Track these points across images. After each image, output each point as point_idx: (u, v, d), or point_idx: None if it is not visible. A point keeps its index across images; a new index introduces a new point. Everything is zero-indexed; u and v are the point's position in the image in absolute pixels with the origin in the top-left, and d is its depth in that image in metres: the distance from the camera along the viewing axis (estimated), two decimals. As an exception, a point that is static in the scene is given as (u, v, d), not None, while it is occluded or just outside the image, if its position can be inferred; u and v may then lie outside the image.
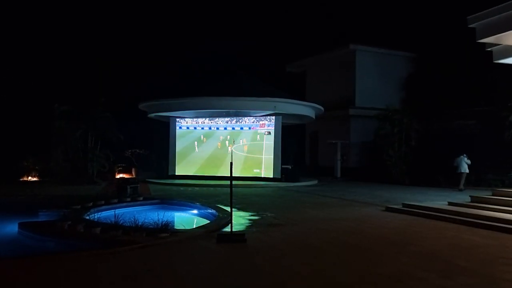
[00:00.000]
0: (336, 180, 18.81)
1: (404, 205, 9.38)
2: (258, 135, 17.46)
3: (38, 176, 16.71)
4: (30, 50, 21.99)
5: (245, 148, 17.57)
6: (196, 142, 18.38)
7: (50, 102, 17.24)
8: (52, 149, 16.59)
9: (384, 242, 6.21)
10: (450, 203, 8.94)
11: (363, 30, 24.24)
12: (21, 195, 11.61)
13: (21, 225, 6.77)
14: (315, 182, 17.33)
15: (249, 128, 17.73)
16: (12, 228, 6.91)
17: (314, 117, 19.09)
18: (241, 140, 17.70)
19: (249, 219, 8.11)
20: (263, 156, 17.18)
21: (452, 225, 7.54)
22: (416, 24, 21.83)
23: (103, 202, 9.30)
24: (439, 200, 10.28)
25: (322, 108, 18.79)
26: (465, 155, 13.68)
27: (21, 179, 16.35)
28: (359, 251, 5.66)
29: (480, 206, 8.25)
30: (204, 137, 18.33)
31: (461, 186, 13.50)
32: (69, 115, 16.83)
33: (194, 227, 7.26)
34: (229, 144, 17.68)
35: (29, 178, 16.64)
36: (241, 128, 17.86)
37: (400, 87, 21.32)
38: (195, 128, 18.58)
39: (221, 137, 18.02)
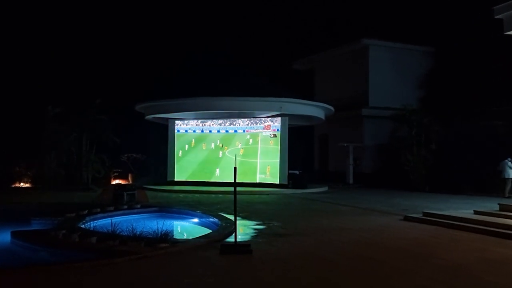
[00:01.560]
0: (348, 187, 18.73)
1: (425, 214, 9.27)
2: (263, 138, 17.41)
3: (30, 183, 16.86)
4: (21, 49, 22.18)
5: (241, 152, 17.49)
6: (196, 146, 18.39)
7: (43, 104, 17.38)
8: (45, 154, 16.76)
9: (402, 254, 6.13)
10: (476, 212, 8.81)
11: (377, 23, 24.17)
12: (13, 202, 11.79)
13: (14, 234, 6.89)
14: (325, 188, 17.27)
15: (253, 131, 17.69)
16: (4, 237, 7.03)
17: (323, 118, 19.02)
18: (238, 143, 17.65)
19: (254, 229, 8.09)
20: (269, 161, 17.12)
21: (478, 236, 7.43)
22: (434, 15, 21.71)
23: (98, 210, 9.42)
24: (463, 208, 10.16)
25: (333, 109, 18.72)
26: (509, 158, 13.49)
27: (12, 186, 16.48)
28: (374, 265, 5.58)
29: (509, 215, 8.11)
30: (205, 140, 18.32)
31: (507, 194, 13.30)
32: (63, 117, 16.95)
33: (196, 237, 7.28)
34: (227, 147, 17.66)
35: (21, 184, 16.78)
36: (244, 131, 17.84)
37: (418, 85, 21.18)
38: (195, 131, 18.60)
39: (221, 141, 17.99)
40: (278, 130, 17.10)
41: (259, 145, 17.46)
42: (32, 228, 7.81)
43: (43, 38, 22.97)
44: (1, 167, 16.68)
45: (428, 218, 8.95)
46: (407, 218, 9.21)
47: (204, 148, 18.31)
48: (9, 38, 21.98)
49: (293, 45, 27.35)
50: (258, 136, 17.54)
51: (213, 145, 18.16)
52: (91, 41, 24.37)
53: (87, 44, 24.15)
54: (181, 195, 15.16)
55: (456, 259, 5.80)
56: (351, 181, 19.40)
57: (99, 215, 8.97)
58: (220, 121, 18.20)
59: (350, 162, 19.58)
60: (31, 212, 9.10)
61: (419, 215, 9.26)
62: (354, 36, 21.78)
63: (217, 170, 17.71)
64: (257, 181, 16.94)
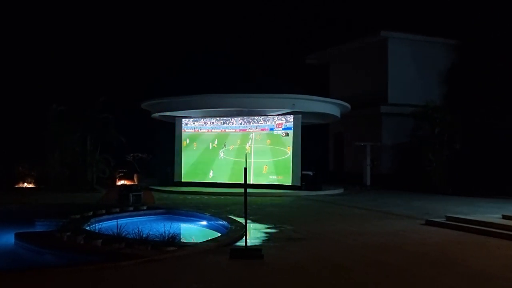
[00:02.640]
0: (365, 189, 18.59)
1: (448, 218, 9.15)
2: (275, 137, 17.39)
3: (34, 183, 17.18)
4: (24, 47, 22.56)
5: (248, 149, 17.48)
6: (204, 145, 18.48)
7: (46, 102, 17.66)
8: (49, 154, 17.03)
9: (424, 261, 6.07)
10: (504, 217, 8.65)
11: (396, 14, 23.89)
12: (16, 203, 12.06)
13: (18, 236, 7.05)
14: (340, 190, 17.19)
15: (264, 129, 17.68)
16: (8, 238, 7.21)
17: (339, 115, 18.91)
18: (248, 143, 17.68)
19: (265, 232, 8.10)
20: (280, 161, 17.09)
21: (507, 242, 7.31)
22: (458, 5, 21.34)
23: (104, 211, 9.57)
24: (490, 212, 9.99)
25: (349, 106, 18.59)
26: None
27: (16, 186, 16.81)
28: (394, 272, 5.53)
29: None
30: (214, 139, 18.39)
31: None
32: (67, 116, 17.20)
33: (204, 240, 7.34)
34: (236, 147, 17.69)
35: (25, 184, 17.11)
36: (257, 129, 17.84)
37: (441, 80, 20.87)
38: (203, 129, 18.69)
39: (230, 140, 18.03)
40: (290, 128, 17.06)
41: (270, 145, 17.44)
42: (36, 230, 7.98)
43: (46, 36, 23.33)
44: (4, 167, 17.02)
45: (452, 222, 8.83)
46: (428, 222, 9.11)
47: (212, 148, 18.37)
48: (12, 35, 22.39)
49: (307, 38, 27.23)
50: (270, 135, 17.53)
51: (222, 145, 18.19)
52: (96, 38, 24.68)
53: (91, 41, 24.47)
54: (189, 196, 15.26)
55: (481, 267, 5.71)
56: (368, 182, 19.27)
57: (104, 217, 9.12)
58: (230, 119, 18.23)
59: (367, 163, 19.43)
60: (35, 213, 9.29)
61: (442, 219, 9.15)
62: (372, 28, 21.60)
63: (226, 170, 17.73)
64: (269, 183, 16.94)
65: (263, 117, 17.77)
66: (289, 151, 16.94)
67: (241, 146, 17.81)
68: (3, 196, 13.73)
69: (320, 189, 16.56)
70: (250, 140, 17.81)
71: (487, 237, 7.68)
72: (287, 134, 17.15)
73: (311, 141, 20.18)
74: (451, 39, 21.12)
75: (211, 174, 18.06)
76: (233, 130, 18.22)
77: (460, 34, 20.89)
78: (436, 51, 21.12)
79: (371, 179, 19.30)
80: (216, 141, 18.37)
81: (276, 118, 17.56)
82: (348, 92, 21.57)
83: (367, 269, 5.64)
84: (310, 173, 17.09)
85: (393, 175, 19.23)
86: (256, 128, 17.87)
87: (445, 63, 20.87)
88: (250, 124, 17.97)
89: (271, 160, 17.28)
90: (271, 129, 17.56)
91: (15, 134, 17.73)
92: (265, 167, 17.14)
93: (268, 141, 17.54)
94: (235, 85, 17.40)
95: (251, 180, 16.44)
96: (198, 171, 18.36)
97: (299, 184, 16.57)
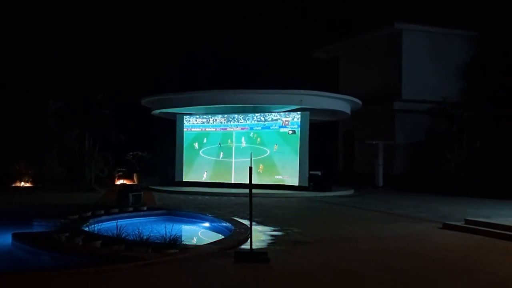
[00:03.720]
0: (377, 190, 18.51)
1: (467, 221, 8.99)
2: (281, 135, 17.30)
3: (31, 182, 17.31)
4: (20, 41, 22.61)
5: (264, 146, 17.41)
6: (207, 144, 18.45)
7: (43, 99, 17.71)
8: (46, 152, 17.14)
9: (442, 267, 5.94)
10: (527, 220, 8.47)
11: (411, 5, 23.62)
12: (13, 202, 12.20)
13: (15, 236, 7.14)
14: (350, 191, 17.09)
15: (269, 127, 17.61)
16: (5, 239, 7.31)
17: (349, 112, 18.80)
18: (247, 139, 17.59)
19: (271, 235, 8.06)
20: (286, 160, 17.02)
21: (531, 247, 7.14)
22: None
23: (102, 212, 9.63)
24: (512, 215, 9.81)
25: (360, 102, 18.47)
26: None
27: (12, 185, 16.93)
28: (410, 279, 5.41)
29: None
30: (217, 137, 18.35)
31: None
32: (64, 113, 17.27)
33: (207, 243, 7.34)
34: (240, 145, 17.62)
35: (22, 183, 17.22)
36: (260, 127, 17.76)
37: (459, 75, 20.66)
38: (206, 127, 18.64)
39: (237, 138, 17.99)
40: (297, 126, 16.95)
41: (276, 143, 17.36)
42: (34, 230, 8.06)
43: (43, 30, 23.36)
44: (0, 165, 17.13)
45: (472, 226, 8.66)
46: (446, 226, 8.98)
47: (215, 146, 18.33)
48: (8, 30, 22.45)
49: (314, 31, 27.01)
50: (275, 133, 17.43)
51: (225, 143, 18.14)
52: (94, 32, 24.68)
53: (89, 35, 24.48)
54: (190, 197, 15.28)
55: (504, 274, 5.58)
56: (380, 183, 19.16)
57: (103, 218, 9.17)
58: (233, 116, 18.17)
59: (380, 162, 19.33)
60: (32, 213, 9.39)
61: (461, 223, 8.99)
62: (385, 19, 21.39)
63: (230, 170, 17.71)
64: (274, 183, 16.87)
65: (268, 114, 17.68)
66: (296, 150, 16.80)
67: (246, 144, 17.73)
68: (0, 195, 13.79)
69: (329, 190, 16.47)
70: (254, 138, 17.71)
71: (510, 242, 7.52)
72: (294, 132, 17.05)
73: (320, 140, 20.07)
74: (470, 31, 20.88)
75: (213, 173, 18.02)
76: (237, 128, 18.14)
77: (480, 26, 20.64)
78: (454, 44, 20.88)
79: (384, 180, 19.20)
80: (219, 139, 18.31)
81: (282, 115, 17.46)
82: (359, 87, 21.42)
83: (380, 275, 5.52)
84: (319, 173, 17.00)
85: (407, 175, 19.08)
86: (261, 126, 17.78)
87: (463, 56, 20.67)
88: (254, 121, 17.89)
89: (277, 160, 17.17)
90: (277, 127, 17.45)
91: (12, 131, 17.84)
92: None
93: (274, 139, 17.42)
94: (239, 81, 17.32)
95: (256, 180, 16.34)
96: (200, 171, 18.33)
97: (306, 185, 16.48)
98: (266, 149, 17.45)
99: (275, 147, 17.35)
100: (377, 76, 21.51)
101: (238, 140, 17.96)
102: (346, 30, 23.57)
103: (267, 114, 17.71)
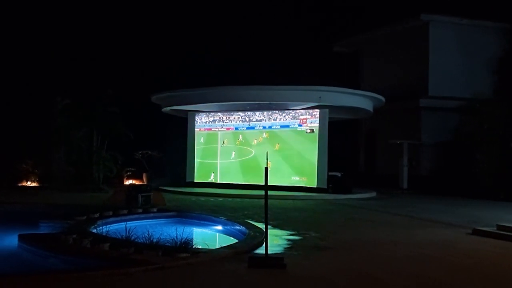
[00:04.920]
0: (401, 192, 18.30)
1: (499, 227, 8.78)
2: (298, 134, 17.23)
3: (37, 181, 17.62)
4: (27, 36, 23.03)
5: (278, 147, 17.36)
6: (220, 143, 18.51)
7: (50, 95, 18.00)
8: (53, 150, 17.40)
9: (472, 276, 5.83)
10: None
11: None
12: (19, 202, 12.46)
13: (21, 238, 7.29)
14: (372, 194, 16.97)
15: (286, 125, 17.55)
16: (11, 240, 7.48)
17: (371, 110, 18.63)
18: (268, 140, 17.57)
19: (288, 240, 8.03)
20: (304, 160, 16.94)
21: None
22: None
23: (111, 213, 9.76)
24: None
25: (383, 99, 18.29)
26: None
27: (19, 184, 17.27)
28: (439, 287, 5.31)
29: None
30: (230, 136, 18.39)
31: None
32: (71, 110, 17.51)
33: (220, 246, 7.37)
34: (255, 145, 17.63)
35: (28, 183, 17.54)
36: (277, 126, 17.74)
37: (491, 70, 20.27)
38: (218, 125, 18.72)
39: (248, 137, 18.00)
40: (316, 124, 16.86)
41: (292, 143, 17.30)
42: (40, 231, 8.22)
43: (50, 25, 23.71)
44: (7, 164, 17.47)
45: (504, 232, 8.46)
46: (477, 232, 8.81)
47: (228, 145, 18.37)
48: (14, 25, 22.89)
49: (334, 23, 26.81)
50: (292, 131, 17.37)
51: (238, 142, 18.18)
52: (103, 27, 24.95)
53: (98, 30, 24.76)
54: (202, 198, 15.35)
55: (543, 284, 5.44)
56: (405, 185, 18.92)
57: (111, 219, 9.30)
58: (248, 114, 18.18)
59: (404, 163, 19.07)
60: (39, 214, 9.60)
61: (493, 229, 8.80)
62: (410, 11, 21.10)
63: (244, 170, 17.72)
64: (291, 184, 16.82)
65: (285, 111, 17.63)
66: (314, 150, 16.70)
67: (261, 144, 17.72)
68: (6, 195, 14.09)
69: (349, 192, 16.35)
70: (269, 137, 17.69)
71: (547, 250, 7.36)
72: (312, 131, 16.96)
73: (340, 139, 19.95)
74: (502, 22, 20.44)
75: (226, 174, 18.07)
76: (252, 126, 18.14)
77: (514, 17, 20.28)
78: (485, 36, 20.47)
79: (408, 182, 18.93)
80: (232, 138, 18.34)
81: (300, 113, 17.38)
82: (382, 83, 21.22)
83: (405, 284, 5.44)
84: (338, 174, 16.90)
85: (433, 177, 18.81)
86: (277, 124, 17.74)
87: (495, 50, 20.28)
88: (270, 119, 17.85)
89: (294, 160, 17.12)
90: (294, 125, 17.39)
91: (18, 129, 18.16)
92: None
93: (290, 138, 17.37)
94: (254, 77, 17.31)
95: (272, 182, 16.29)
96: (212, 171, 18.41)
97: (325, 187, 16.40)
98: (282, 149, 17.40)
99: (292, 146, 17.29)
100: (402, 71, 21.26)
101: (253, 139, 17.95)
102: (369, 23, 23.31)
103: (283, 111, 17.65)
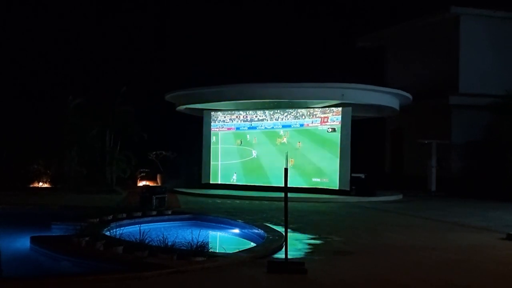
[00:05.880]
0: (429, 195, 18.08)
1: (536, 232, 8.59)
2: (319, 133, 17.14)
3: (49, 182, 17.93)
4: (38, 36, 23.48)
5: (300, 145, 17.30)
6: (237, 143, 18.56)
7: (62, 94, 18.31)
8: (65, 151, 17.66)
9: (507, 284, 5.71)
10: None
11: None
12: (31, 204, 12.73)
13: (33, 240, 7.44)
14: (399, 196, 16.81)
15: (306, 124, 17.48)
16: (23, 242, 7.65)
17: (397, 108, 18.41)
18: (287, 140, 17.53)
19: (309, 244, 8.01)
20: (325, 161, 16.84)
21: None
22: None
23: (124, 215, 9.87)
24: None
25: (410, 96, 18.08)
26: None
27: (30, 185, 17.63)
28: (470, 296, 5.21)
29: None
30: (248, 135, 18.43)
31: None
32: (84, 109, 17.77)
33: (238, 250, 7.36)
34: (272, 144, 17.59)
35: (40, 184, 17.89)
36: (296, 125, 17.68)
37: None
38: (235, 124, 18.76)
39: (271, 136, 18.01)
40: (338, 123, 16.73)
41: (313, 142, 17.22)
42: (53, 234, 8.38)
43: (61, 22, 24.12)
44: (18, 165, 17.84)
45: (542, 238, 8.29)
46: (510, 237, 8.62)
47: (246, 146, 18.39)
48: (26, 22, 23.37)
49: (358, 16, 26.59)
50: (312, 131, 17.29)
51: (255, 142, 18.19)
52: (116, 24, 25.28)
53: (111, 27, 25.10)
54: (218, 200, 15.41)
55: None
56: (433, 187, 18.67)
57: (125, 222, 9.38)
58: (266, 113, 18.17)
59: (433, 164, 18.82)
60: (51, 216, 9.75)
61: (529, 234, 8.61)
62: (439, 3, 20.76)
63: (262, 172, 17.71)
64: (311, 186, 16.74)
65: (305, 110, 17.56)
66: (336, 150, 16.58)
67: (280, 143, 17.69)
68: (17, 196, 14.39)
69: (373, 195, 16.21)
70: (289, 137, 17.64)
71: None
72: (334, 130, 16.84)
73: (364, 139, 19.76)
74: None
75: (244, 175, 18.11)
76: (270, 125, 18.12)
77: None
78: (521, 29, 20.05)
79: (437, 184, 18.68)
80: (250, 138, 18.37)
81: (321, 112, 17.28)
82: (409, 80, 20.95)
83: (434, 291, 5.35)
84: (362, 175, 16.73)
85: (464, 179, 18.46)
86: (297, 123, 17.68)
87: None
88: (289, 118, 17.80)
89: (315, 161, 17.04)
90: (315, 124, 17.30)
91: (29, 129, 18.50)
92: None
93: (310, 138, 17.29)
94: (272, 73, 17.31)
95: (291, 183, 16.24)
96: (229, 172, 18.45)
97: (348, 189, 16.25)
98: (302, 149, 17.34)
99: (312, 146, 17.21)
100: (430, 67, 20.95)
101: (271, 139, 17.93)
102: (395, 16, 23.03)
103: (303, 110, 17.58)
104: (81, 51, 23.54)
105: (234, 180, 18.22)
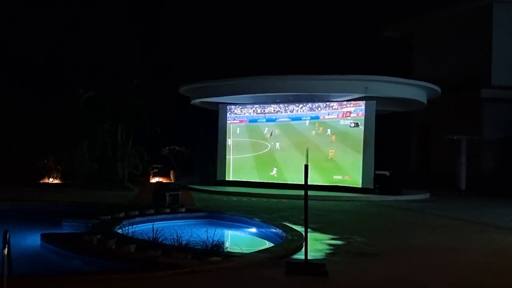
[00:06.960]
0: (459, 194, 17.84)
1: None
2: (341, 129, 17.04)
3: (60, 178, 18.25)
4: (48, 29, 23.82)
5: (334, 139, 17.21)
6: (254, 138, 18.58)
7: (73, 87, 18.55)
8: (76, 146, 17.93)
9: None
10: None
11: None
12: (41, 200, 12.92)
13: (44, 237, 7.56)
14: (426, 195, 16.68)
15: (327, 118, 17.37)
16: (34, 239, 7.78)
17: (425, 102, 18.19)
18: (306, 135, 17.42)
19: (330, 244, 7.97)
20: (347, 157, 16.77)
21: None
22: None
23: (137, 212, 9.95)
24: None
25: (439, 89, 17.81)
26: None
27: (41, 181, 17.98)
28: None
29: None
30: (265, 130, 18.42)
31: None
32: (95, 103, 17.96)
33: (255, 250, 7.33)
34: (292, 140, 17.55)
35: (50, 180, 18.24)
36: (316, 118, 17.61)
37: None
38: (252, 118, 18.75)
39: (290, 131, 17.97)
40: (361, 117, 16.61)
41: (335, 138, 17.14)
42: (63, 231, 8.49)
43: (73, 15, 24.39)
44: (28, 160, 18.18)
45: None
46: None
47: (263, 141, 18.40)
48: (34, 15, 23.71)
49: (384, 5, 26.29)
50: (334, 126, 17.19)
51: (272, 136, 18.18)
52: (127, 16, 25.47)
53: (122, 19, 25.29)
54: (234, 198, 15.46)
55: None
56: (463, 186, 18.38)
57: (137, 219, 9.47)
58: (285, 106, 18.13)
59: (463, 162, 18.50)
60: (62, 212, 9.88)
61: None
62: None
63: (281, 168, 17.72)
64: (333, 184, 16.69)
65: (326, 104, 17.46)
66: (359, 146, 16.44)
67: (300, 139, 17.63)
68: (28, 192, 14.65)
69: (399, 193, 16.06)
70: (309, 132, 17.56)
71: None
72: (356, 125, 16.72)
73: (388, 134, 19.58)
74: None
75: (261, 172, 18.12)
76: (289, 120, 18.08)
77: None
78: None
79: (467, 182, 18.37)
80: (267, 132, 18.36)
81: (343, 105, 17.16)
82: (438, 72, 20.69)
83: (465, 296, 5.26)
84: (386, 173, 16.59)
85: (496, 177, 18.22)
86: (317, 118, 17.59)
87: None
88: (310, 112, 17.73)
89: (336, 157, 16.96)
90: (337, 119, 17.20)
91: (39, 124, 18.80)
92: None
93: (332, 133, 17.20)
94: (292, 66, 17.23)
95: (311, 181, 16.18)
96: (246, 168, 18.50)
97: (371, 187, 16.15)
98: (323, 144, 17.25)
99: (334, 142, 17.11)
100: (460, 58, 20.65)
101: (290, 134, 17.89)
102: (423, 4, 22.75)
103: (324, 103, 17.49)
104: (92, 43, 23.79)
105: (251, 177, 18.14)
